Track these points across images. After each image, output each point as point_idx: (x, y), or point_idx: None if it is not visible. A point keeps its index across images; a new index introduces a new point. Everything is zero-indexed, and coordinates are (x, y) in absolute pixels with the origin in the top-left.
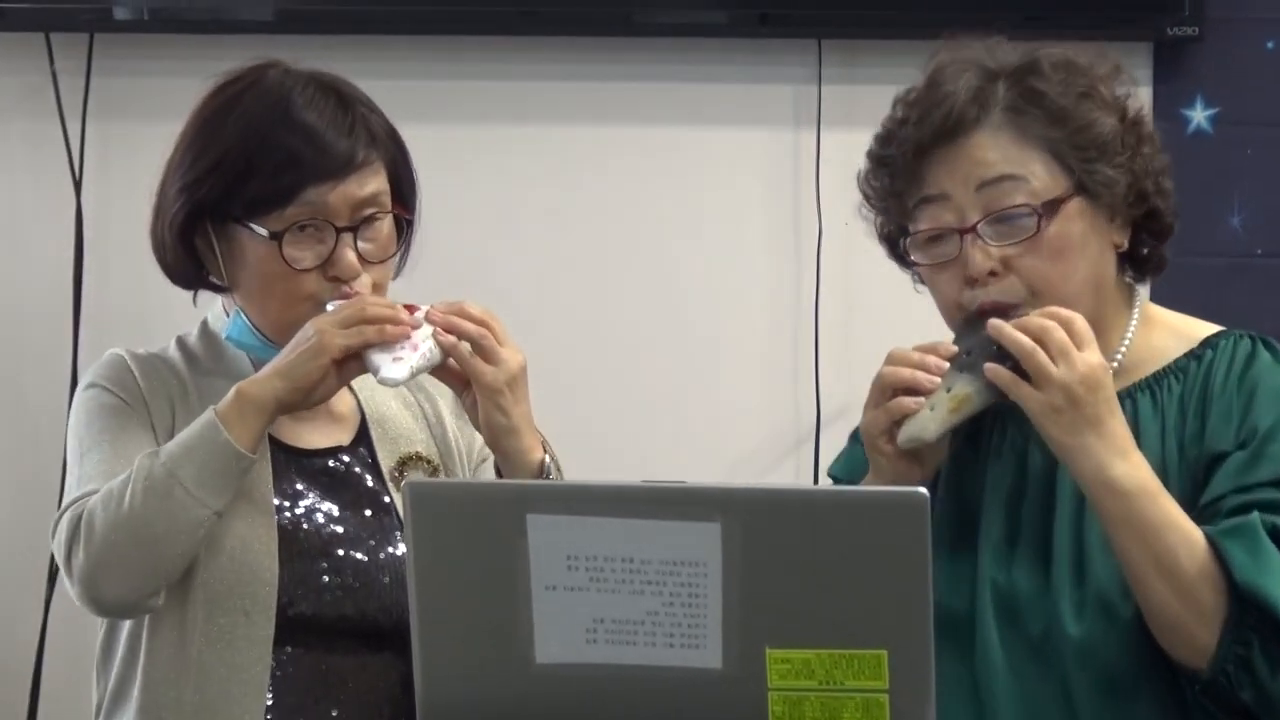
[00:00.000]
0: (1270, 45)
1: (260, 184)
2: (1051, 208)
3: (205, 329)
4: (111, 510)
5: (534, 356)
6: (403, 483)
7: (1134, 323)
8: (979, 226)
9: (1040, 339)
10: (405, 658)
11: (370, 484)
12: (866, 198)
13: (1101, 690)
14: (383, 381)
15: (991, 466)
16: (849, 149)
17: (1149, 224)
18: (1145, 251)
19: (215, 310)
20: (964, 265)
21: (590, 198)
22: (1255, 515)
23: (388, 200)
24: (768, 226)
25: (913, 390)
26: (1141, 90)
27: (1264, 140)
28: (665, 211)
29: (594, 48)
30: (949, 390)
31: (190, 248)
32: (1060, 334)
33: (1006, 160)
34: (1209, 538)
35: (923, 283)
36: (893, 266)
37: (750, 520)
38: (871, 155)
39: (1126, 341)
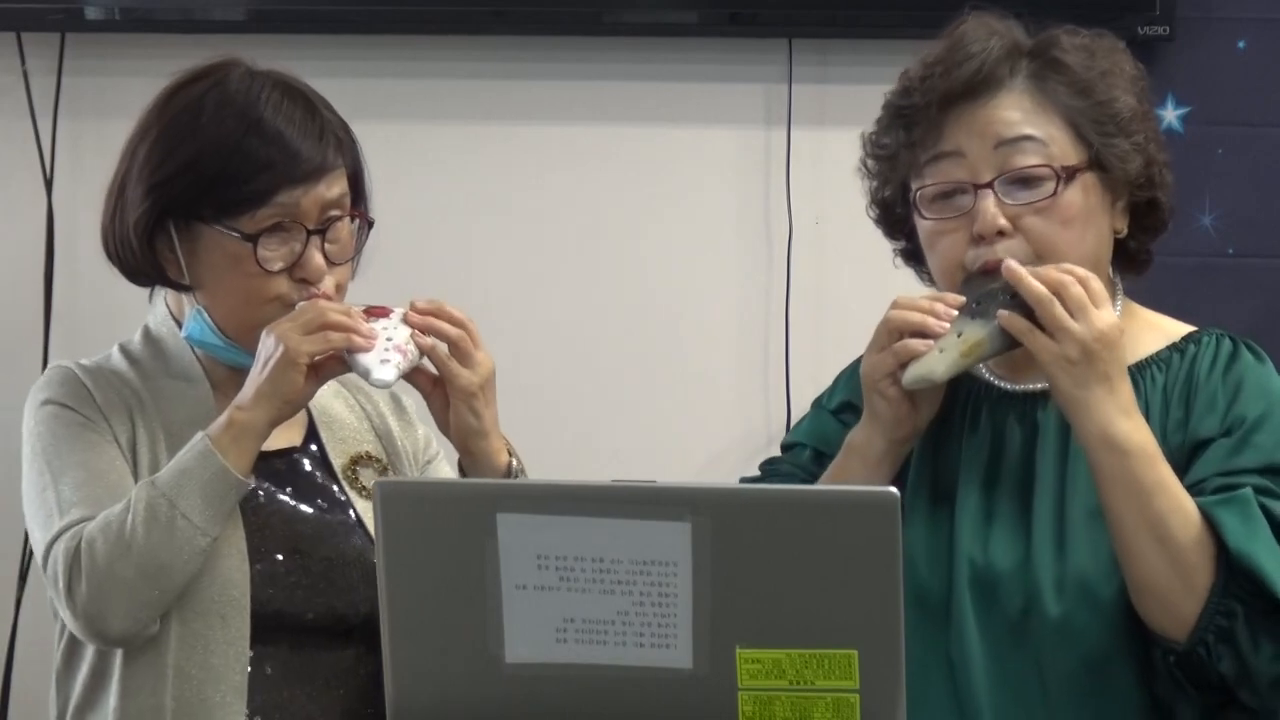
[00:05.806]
0: (1241, 45)
1: (234, 188)
2: (1069, 173)
3: (148, 334)
4: (113, 542)
5: (504, 356)
6: (371, 482)
7: (1118, 314)
8: (995, 183)
9: (1057, 292)
10: (375, 652)
11: (325, 482)
12: (870, 155)
13: (1077, 670)
14: (375, 384)
15: (966, 446)
16: (820, 148)
17: (1147, 215)
18: (1134, 245)
19: (157, 314)
20: (973, 221)
21: (560, 197)
22: (1248, 489)
23: (349, 202)
24: (738, 226)
25: (920, 334)
26: None
27: (1235, 140)
28: (635, 211)
29: (564, 47)
30: (959, 335)
31: (152, 246)
32: (1078, 289)
33: (1028, 122)
34: (1201, 509)
35: (905, 259)
36: (863, 264)
37: (721, 520)
38: (888, 107)
39: None
